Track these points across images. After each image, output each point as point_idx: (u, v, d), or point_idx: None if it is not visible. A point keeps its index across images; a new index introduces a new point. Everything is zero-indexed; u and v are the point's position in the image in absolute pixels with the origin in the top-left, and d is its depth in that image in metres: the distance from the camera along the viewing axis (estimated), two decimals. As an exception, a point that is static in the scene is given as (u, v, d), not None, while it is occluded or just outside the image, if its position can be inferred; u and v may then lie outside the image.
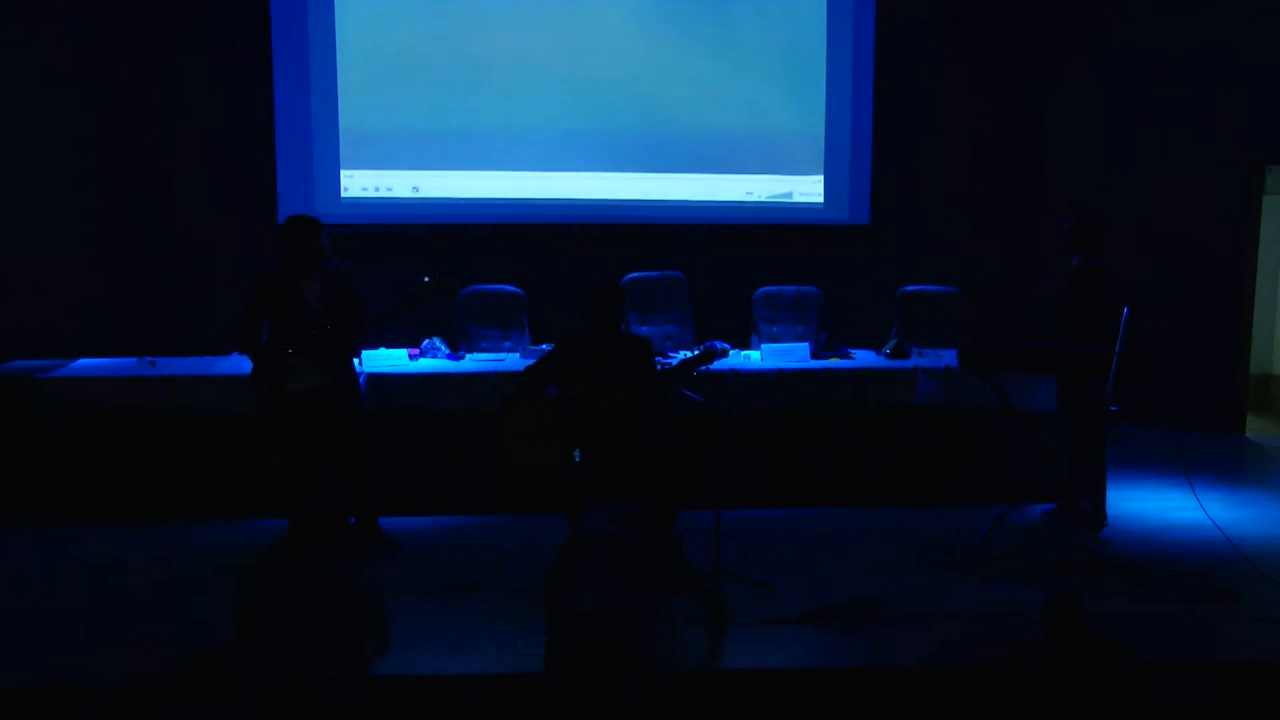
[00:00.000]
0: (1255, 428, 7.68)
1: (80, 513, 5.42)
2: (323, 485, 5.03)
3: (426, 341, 5.97)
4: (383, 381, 5.53)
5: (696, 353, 4.93)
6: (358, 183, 7.77)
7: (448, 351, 5.98)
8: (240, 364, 5.78)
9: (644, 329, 6.66)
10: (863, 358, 5.98)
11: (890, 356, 5.95)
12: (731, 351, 5.92)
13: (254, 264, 5.17)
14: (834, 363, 5.84)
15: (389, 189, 7.80)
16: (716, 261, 7.65)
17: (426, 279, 4.91)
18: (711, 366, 5.01)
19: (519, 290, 6.75)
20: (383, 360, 5.76)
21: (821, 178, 8.04)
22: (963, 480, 5.68)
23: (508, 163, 7.79)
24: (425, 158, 7.78)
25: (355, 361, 5.32)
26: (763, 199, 8.02)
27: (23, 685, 3.69)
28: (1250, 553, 4.88)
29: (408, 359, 5.84)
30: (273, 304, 4.89)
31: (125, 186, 7.65)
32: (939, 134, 8.15)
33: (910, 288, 6.85)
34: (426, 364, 5.79)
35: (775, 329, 6.80)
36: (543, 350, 5.81)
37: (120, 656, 3.91)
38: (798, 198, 8.05)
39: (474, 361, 5.92)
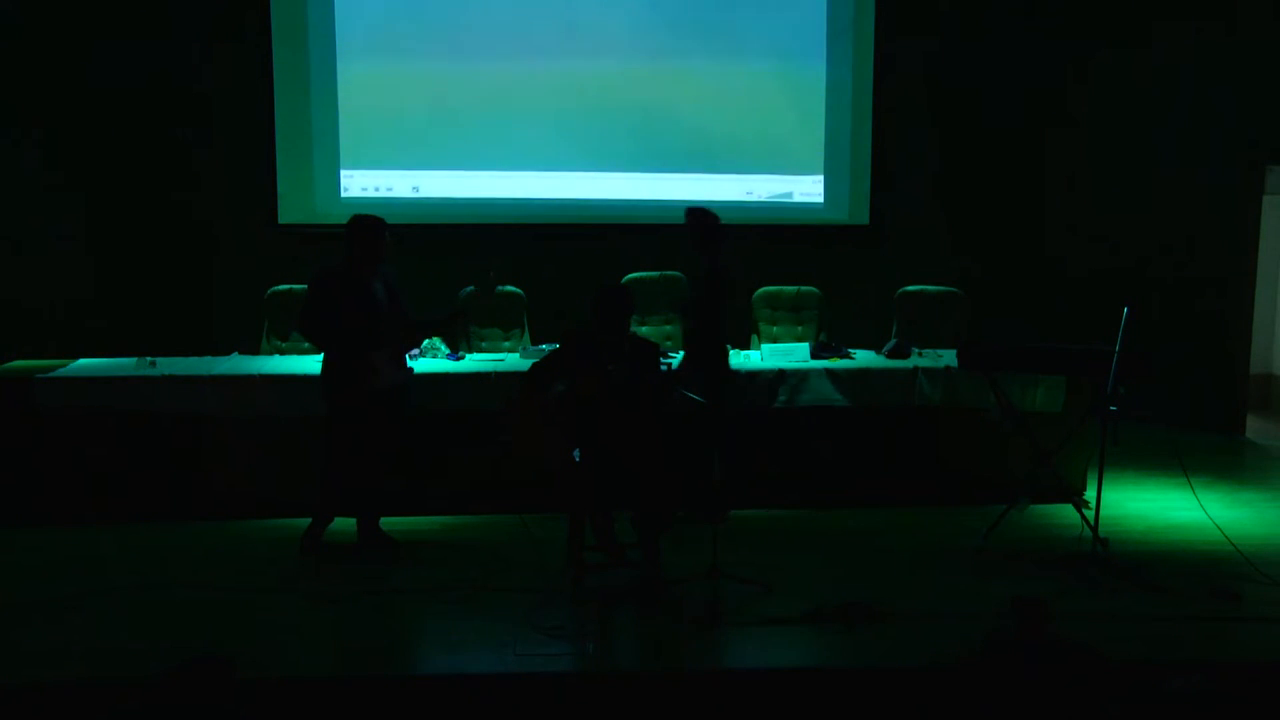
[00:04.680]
0: (1255, 428, 7.67)
1: (80, 513, 5.42)
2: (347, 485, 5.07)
3: (426, 341, 5.96)
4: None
5: None
6: (358, 183, 7.77)
7: (448, 351, 5.98)
8: (240, 364, 5.78)
9: (644, 329, 6.65)
10: (862, 358, 5.97)
11: (890, 356, 5.95)
12: (731, 351, 5.92)
13: (254, 264, 5.18)
14: (834, 363, 5.84)
15: (389, 189, 7.79)
16: (717, 261, 7.61)
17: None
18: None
19: (519, 290, 6.74)
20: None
21: (821, 178, 8.03)
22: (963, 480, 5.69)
23: (508, 163, 7.79)
24: (425, 158, 7.77)
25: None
26: (763, 199, 8.01)
27: (21, 684, 3.69)
28: (1250, 553, 4.88)
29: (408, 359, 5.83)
30: (344, 302, 4.88)
31: (125, 186, 7.65)
32: (939, 134, 8.14)
33: (910, 288, 6.84)
34: (426, 364, 5.79)
35: (775, 329, 6.80)
36: (543, 350, 5.80)
37: (119, 656, 3.91)
38: (798, 197, 8.04)
39: (474, 361, 5.92)
